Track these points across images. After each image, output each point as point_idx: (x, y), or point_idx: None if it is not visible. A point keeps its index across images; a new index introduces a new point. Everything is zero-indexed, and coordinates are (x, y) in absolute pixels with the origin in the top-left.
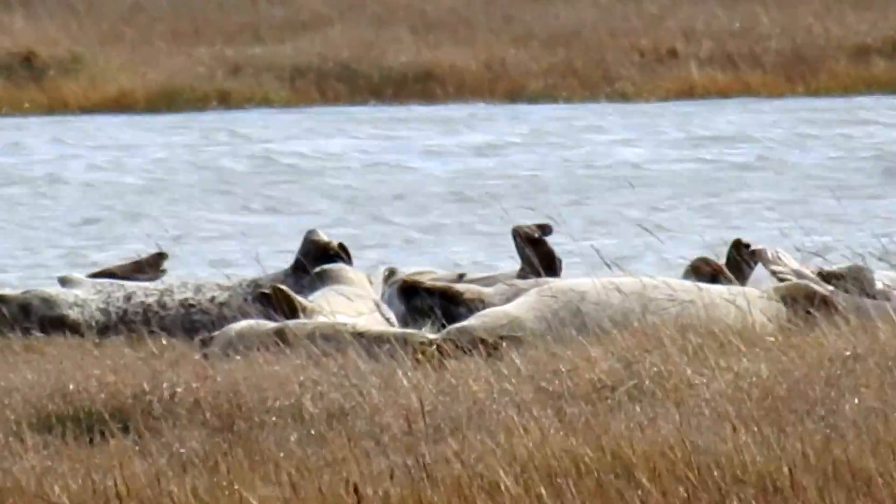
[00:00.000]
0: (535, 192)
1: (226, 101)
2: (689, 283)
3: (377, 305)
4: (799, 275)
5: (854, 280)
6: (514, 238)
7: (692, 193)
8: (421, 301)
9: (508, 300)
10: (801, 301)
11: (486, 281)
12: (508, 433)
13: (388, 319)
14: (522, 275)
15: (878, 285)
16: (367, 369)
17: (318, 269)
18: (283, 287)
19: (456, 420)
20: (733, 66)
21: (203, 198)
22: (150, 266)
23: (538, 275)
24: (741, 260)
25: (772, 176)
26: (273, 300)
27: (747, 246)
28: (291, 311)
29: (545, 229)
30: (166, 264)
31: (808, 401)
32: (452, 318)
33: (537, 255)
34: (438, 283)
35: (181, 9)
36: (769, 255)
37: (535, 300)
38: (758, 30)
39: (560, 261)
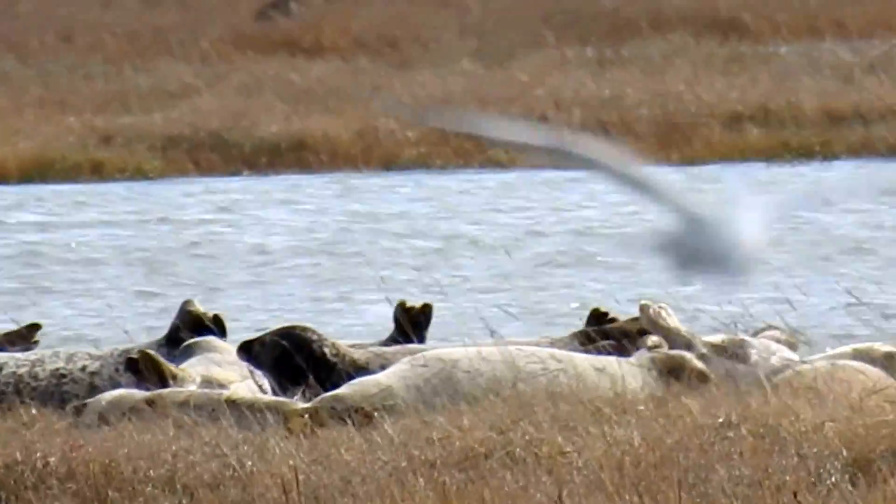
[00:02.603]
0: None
1: (98, 171)
2: (560, 352)
3: (250, 373)
4: (679, 335)
5: (731, 349)
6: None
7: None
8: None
9: (382, 367)
10: (675, 371)
11: (357, 348)
12: (382, 502)
13: (260, 387)
14: (388, 342)
15: (754, 355)
16: (240, 438)
17: (186, 343)
18: (150, 352)
19: (329, 489)
20: (605, 135)
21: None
22: (22, 337)
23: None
24: (603, 329)
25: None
26: (141, 366)
27: (605, 315)
28: (160, 377)
29: (425, 310)
30: (39, 335)
31: (681, 468)
32: (325, 388)
33: (415, 333)
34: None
35: (48, 77)
36: (651, 312)
37: (408, 369)
38: (628, 98)
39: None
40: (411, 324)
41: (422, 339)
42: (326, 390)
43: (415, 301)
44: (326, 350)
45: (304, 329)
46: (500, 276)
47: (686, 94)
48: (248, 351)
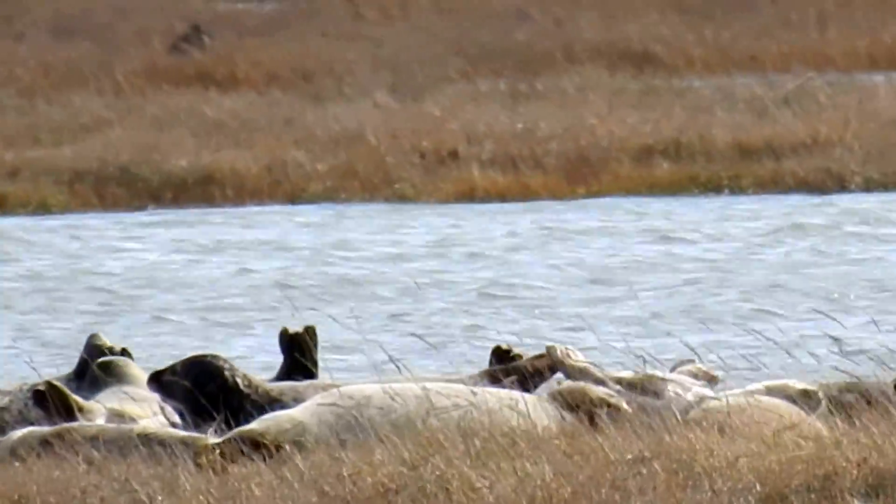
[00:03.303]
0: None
1: (2, 205)
2: (470, 388)
3: (161, 408)
4: (588, 373)
5: (644, 385)
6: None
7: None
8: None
9: (295, 401)
10: (583, 404)
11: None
12: None
13: (171, 422)
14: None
15: (669, 390)
16: (150, 473)
17: (101, 360)
18: (57, 383)
19: None
20: (514, 169)
21: None
22: None
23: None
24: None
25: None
26: (48, 397)
27: (508, 352)
28: (67, 409)
29: (309, 333)
30: None
31: (593, 503)
32: (237, 419)
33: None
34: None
35: None
36: (559, 353)
37: (320, 404)
38: (540, 132)
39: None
40: (298, 347)
41: (314, 364)
42: (238, 423)
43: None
44: (238, 380)
45: (216, 357)
46: (409, 310)
47: (598, 127)
48: (158, 381)
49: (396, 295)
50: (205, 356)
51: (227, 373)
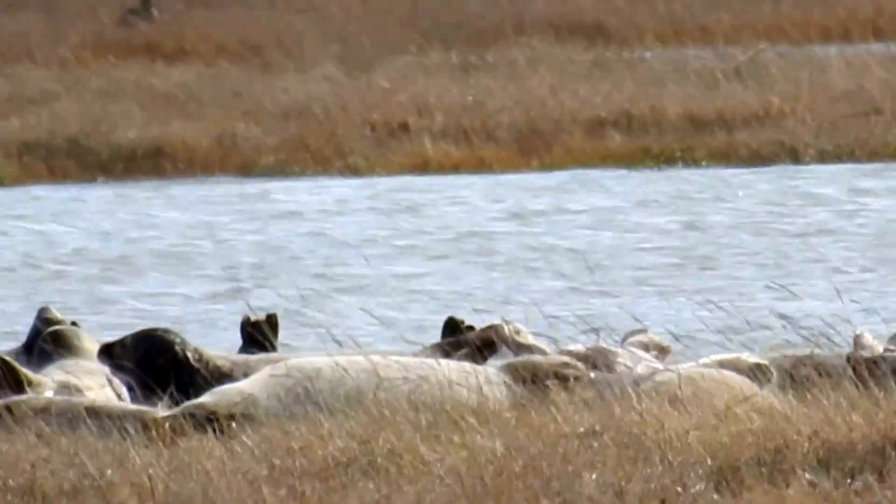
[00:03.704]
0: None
1: None
2: (421, 361)
3: (109, 380)
4: (535, 349)
5: (595, 358)
6: (243, 328)
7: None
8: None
9: (245, 375)
10: (535, 377)
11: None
12: None
13: (119, 395)
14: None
15: (619, 363)
16: (100, 447)
17: (50, 329)
18: (5, 357)
19: (188, 498)
20: (467, 141)
21: None
22: None
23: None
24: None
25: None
26: None
27: (460, 324)
28: (16, 383)
29: (270, 321)
30: None
31: (544, 477)
32: (187, 394)
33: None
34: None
35: None
36: (505, 329)
37: (270, 377)
38: (491, 104)
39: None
40: (260, 335)
41: (273, 350)
42: (189, 397)
43: (259, 314)
44: (189, 354)
45: (167, 332)
46: (364, 283)
47: (549, 99)
48: (109, 353)
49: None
50: (155, 330)
51: (177, 347)
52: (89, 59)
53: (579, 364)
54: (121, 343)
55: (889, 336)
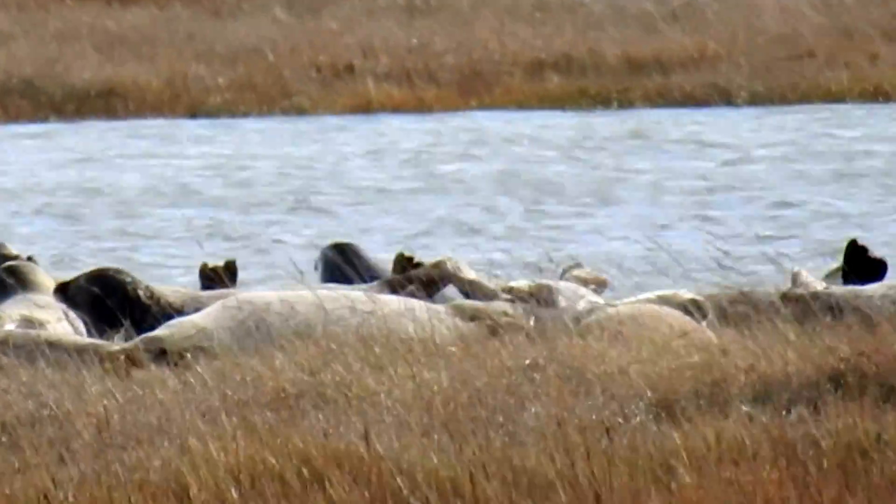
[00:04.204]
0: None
1: None
2: (369, 296)
3: (65, 314)
4: (480, 287)
5: (537, 295)
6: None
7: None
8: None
9: (197, 311)
10: (482, 317)
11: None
12: (196, 440)
13: (76, 329)
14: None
15: (561, 300)
16: (57, 379)
17: (6, 264)
18: None
19: (145, 428)
20: (409, 82)
21: None
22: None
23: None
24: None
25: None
26: None
27: (410, 260)
28: None
29: (230, 268)
30: None
31: (489, 409)
32: (141, 328)
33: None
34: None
35: None
36: (449, 266)
37: (222, 311)
38: (434, 46)
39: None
40: (218, 281)
41: None
42: (142, 332)
43: (217, 260)
44: (140, 292)
45: (118, 271)
46: (310, 220)
47: (491, 42)
48: (63, 292)
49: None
50: (108, 269)
51: (128, 286)
52: (45, 2)
53: (520, 310)
54: (75, 282)
55: (825, 274)
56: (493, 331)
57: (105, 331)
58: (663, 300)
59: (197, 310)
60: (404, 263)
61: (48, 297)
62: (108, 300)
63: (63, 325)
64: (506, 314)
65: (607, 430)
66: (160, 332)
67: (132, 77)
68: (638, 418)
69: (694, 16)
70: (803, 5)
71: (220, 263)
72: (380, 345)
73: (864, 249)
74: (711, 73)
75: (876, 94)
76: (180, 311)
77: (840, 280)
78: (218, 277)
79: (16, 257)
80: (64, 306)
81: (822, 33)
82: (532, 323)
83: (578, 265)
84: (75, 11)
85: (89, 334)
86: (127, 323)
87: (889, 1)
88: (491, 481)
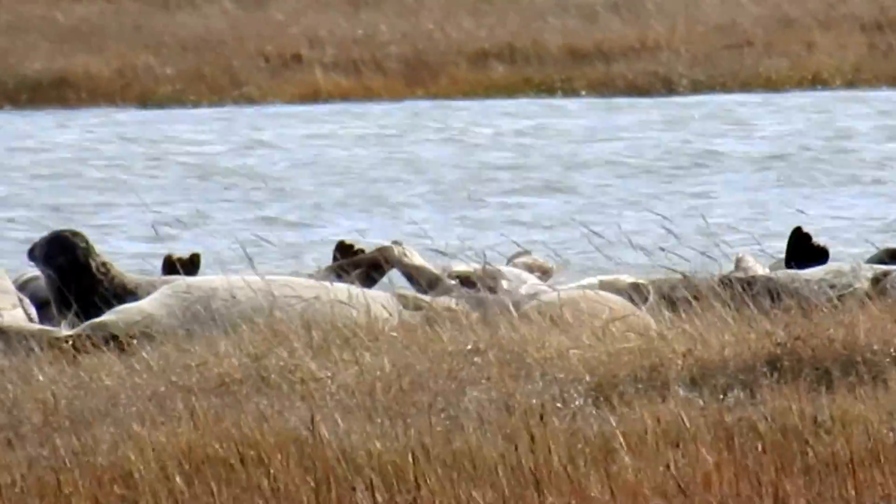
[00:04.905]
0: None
1: None
2: (313, 282)
3: (20, 300)
4: (424, 271)
5: (481, 279)
6: (164, 267)
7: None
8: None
9: (148, 294)
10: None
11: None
12: (141, 425)
13: (28, 315)
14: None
15: (505, 284)
16: (6, 364)
17: None
18: None
19: (91, 413)
20: (356, 72)
21: None
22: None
23: None
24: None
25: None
26: None
27: (351, 247)
28: None
29: (195, 260)
30: None
31: (430, 393)
32: (88, 312)
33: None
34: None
35: None
36: (396, 252)
37: (168, 297)
38: (379, 36)
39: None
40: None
41: None
42: (86, 305)
43: (182, 252)
44: (93, 262)
45: (76, 234)
46: (258, 209)
47: (436, 32)
48: (30, 253)
49: (243, 190)
50: (65, 231)
51: (80, 251)
52: None
53: (463, 300)
54: (39, 242)
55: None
56: (434, 321)
57: (65, 308)
58: (605, 285)
59: (149, 293)
60: (345, 250)
61: (4, 283)
62: (55, 260)
63: (17, 311)
64: (449, 310)
65: (543, 415)
66: (107, 317)
67: (83, 67)
68: (577, 402)
69: (635, 6)
70: None
71: (186, 256)
72: (323, 330)
73: (807, 237)
74: (653, 62)
75: (814, 82)
76: (133, 293)
77: (783, 267)
78: (183, 268)
79: None
80: (18, 294)
81: (761, 23)
82: (474, 315)
83: (526, 252)
84: (26, 4)
85: (46, 313)
86: (75, 307)
87: None
88: (433, 465)
